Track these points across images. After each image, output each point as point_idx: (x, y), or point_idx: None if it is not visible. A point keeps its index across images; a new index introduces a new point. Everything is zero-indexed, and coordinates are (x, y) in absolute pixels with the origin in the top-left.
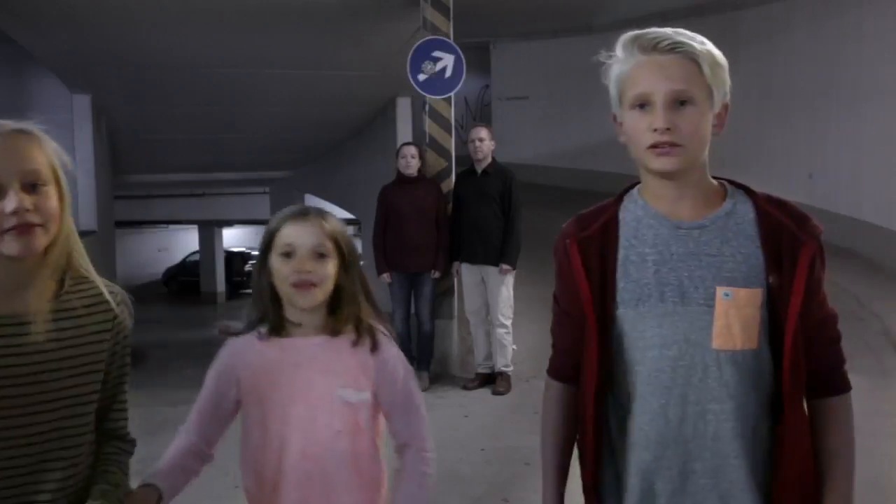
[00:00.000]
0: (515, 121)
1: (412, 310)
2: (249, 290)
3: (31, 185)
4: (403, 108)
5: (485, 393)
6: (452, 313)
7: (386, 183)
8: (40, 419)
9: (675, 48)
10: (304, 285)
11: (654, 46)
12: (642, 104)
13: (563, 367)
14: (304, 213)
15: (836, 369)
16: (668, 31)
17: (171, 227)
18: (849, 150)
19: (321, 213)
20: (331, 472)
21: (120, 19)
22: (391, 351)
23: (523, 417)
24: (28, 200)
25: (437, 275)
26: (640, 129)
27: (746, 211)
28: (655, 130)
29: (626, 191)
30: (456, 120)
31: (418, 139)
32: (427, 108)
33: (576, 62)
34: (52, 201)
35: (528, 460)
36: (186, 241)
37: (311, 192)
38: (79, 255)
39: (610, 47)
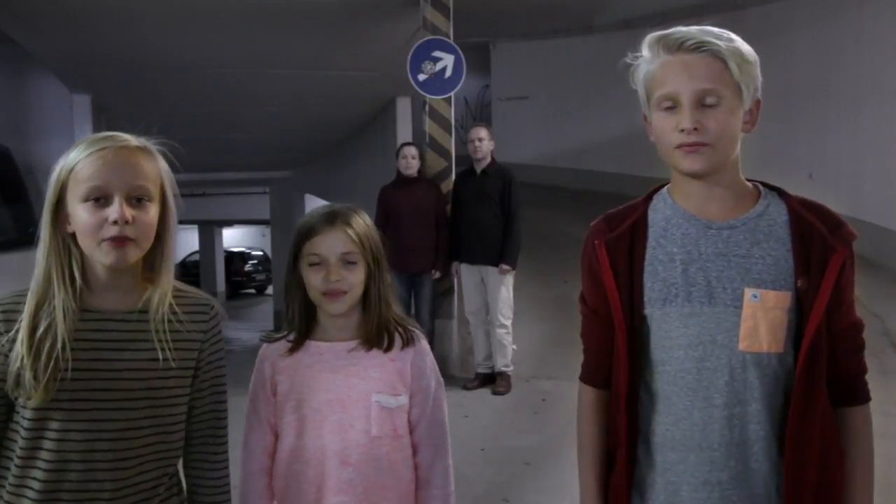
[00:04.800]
0: (515, 121)
1: (412, 310)
2: (250, 290)
3: (137, 199)
4: (403, 108)
5: (485, 393)
6: (452, 313)
7: (386, 183)
8: (124, 416)
9: (701, 47)
10: (334, 294)
11: (679, 46)
12: (669, 104)
13: (597, 371)
14: (331, 220)
15: (857, 378)
16: (694, 29)
17: None
18: (849, 150)
19: (348, 218)
20: (371, 477)
21: (120, 19)
22: (428, 360)
23: (523, 417)
24: (129, 213)
25: (437, 275)
26: (667, 129)
27: (779, 213)
28: (682, 131)
29: (655, 190)
30: (456, 120)
31: (418, 139)
32: (427, 108)
33: (576, 62)
34: (151, 217)
35: (528, 460)
36: (186, 241)
37: (311, 192)
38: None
39: (611, 47)
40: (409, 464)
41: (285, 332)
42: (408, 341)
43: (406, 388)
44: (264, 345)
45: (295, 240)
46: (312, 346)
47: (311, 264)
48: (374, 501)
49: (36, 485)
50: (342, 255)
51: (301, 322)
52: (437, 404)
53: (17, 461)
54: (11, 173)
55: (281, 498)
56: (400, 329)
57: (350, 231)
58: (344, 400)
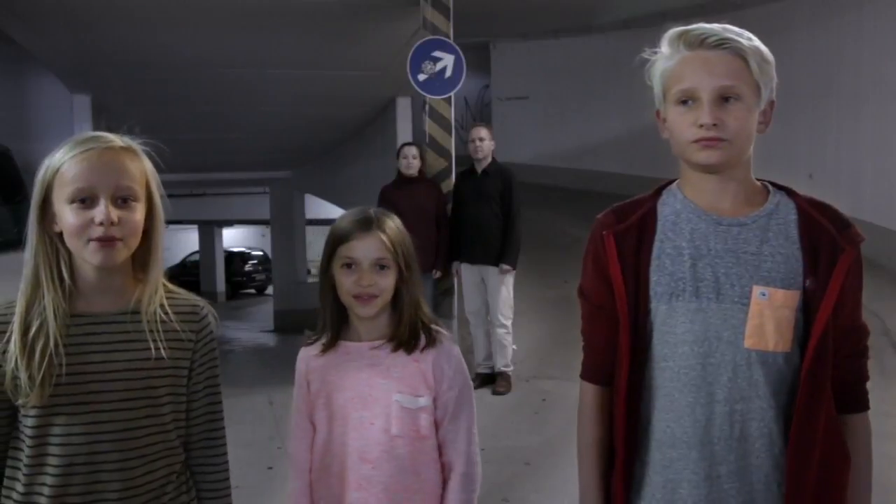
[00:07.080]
0: (515, 121)
1: None
2: (250, 290)
3: (122, 199)
4: (403, 108)
5: (485, 393)
6: (452, 313)
7: (386, 183)
8: (125, 416)
9: (723, 44)
10: (365, 298)
11: (700, 42)
12: (687, 100)
13: (599, 369)
14: (367, 226)
15: (856, 384)
16: (716, 26)
17: (171, 227)
18: (849, 150)
19: (382, 224)
20: (390, 475)
21: (120, 19)
22: (454, 362)
23: (523, 417)
24: (115, 214)
25: (437, 275)
26: (684, 125)
27: (788, 212)
28: (701, 126)
29: (664, 186)
30: (456, 120)
31: (418, 139)
32: (427, 108)
33: (576, 62)
34: (137, 216)
35: (528, 460)
36: (186, 241)
37: (311, 192)
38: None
39: (610, 47)
40: (437, 466)
41: (320, 335)
42: (430, 342)
43: (429, 390)
44: (301, 348)
45: (329, 242)
46: (343, 345)
47: (344, 265)
48: (397, 501)
49: (46, 490)
50: (376, 259)
51: (333, 322)
52: (462, 404)
53: (24, 470)
54: (12, 173)
55: (314, 488)
56: (427, 334)
57: (384, 237)
58: (365, 398)
